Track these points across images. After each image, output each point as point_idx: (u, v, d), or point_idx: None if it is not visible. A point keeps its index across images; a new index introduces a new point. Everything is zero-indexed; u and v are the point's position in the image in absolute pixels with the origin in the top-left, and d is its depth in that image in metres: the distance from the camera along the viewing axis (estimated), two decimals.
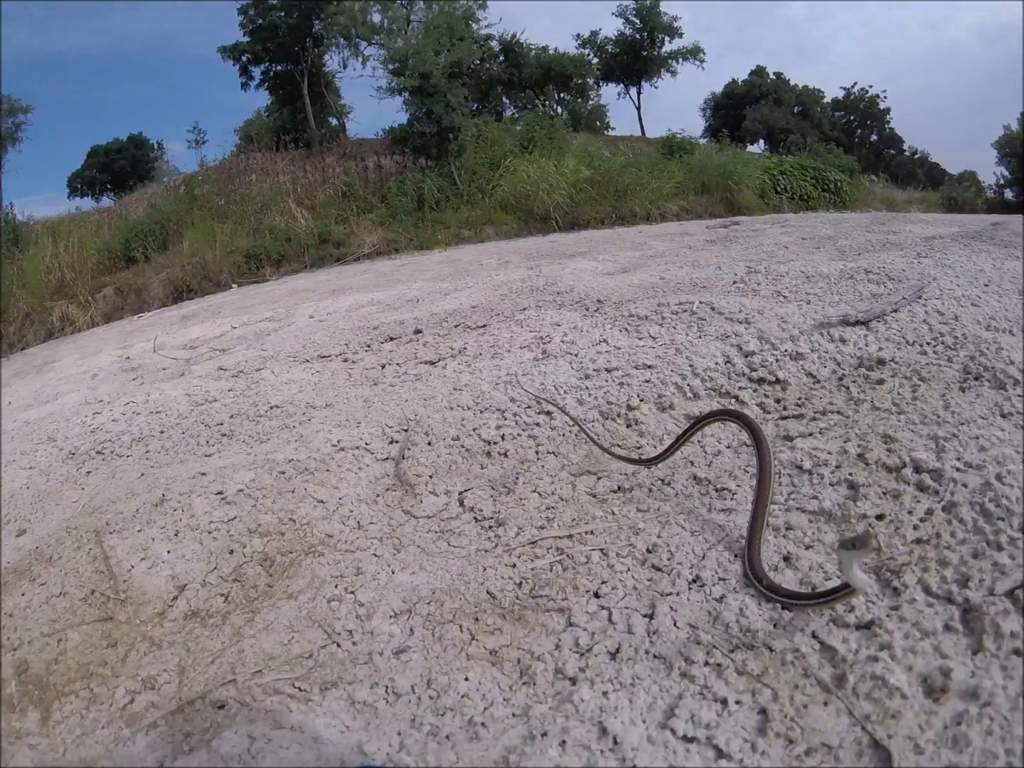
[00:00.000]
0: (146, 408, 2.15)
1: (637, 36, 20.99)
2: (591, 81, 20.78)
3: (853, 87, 26.27)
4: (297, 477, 1.49)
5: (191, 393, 2.24)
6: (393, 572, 1.13)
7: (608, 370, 1.79)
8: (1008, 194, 20.39)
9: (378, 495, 1.41)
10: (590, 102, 21.74)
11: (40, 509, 1.63)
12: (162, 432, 1.98)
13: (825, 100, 25.59)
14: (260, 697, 0.90)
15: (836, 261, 3.31)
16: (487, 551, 1.15)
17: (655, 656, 0.88)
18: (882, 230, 4.75)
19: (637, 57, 21.08)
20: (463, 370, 2.10)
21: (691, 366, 1.76)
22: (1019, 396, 1.48)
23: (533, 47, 18.26)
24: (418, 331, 3.17)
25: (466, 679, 0.89)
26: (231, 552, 1.24)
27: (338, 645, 0.99)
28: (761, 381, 1.70)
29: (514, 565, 1.10)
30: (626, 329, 2.08)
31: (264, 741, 0.83)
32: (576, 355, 1.95)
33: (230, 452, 1.73)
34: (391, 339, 3.10)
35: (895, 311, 2.41)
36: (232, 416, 1.99)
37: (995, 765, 0.70)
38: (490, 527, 1.22)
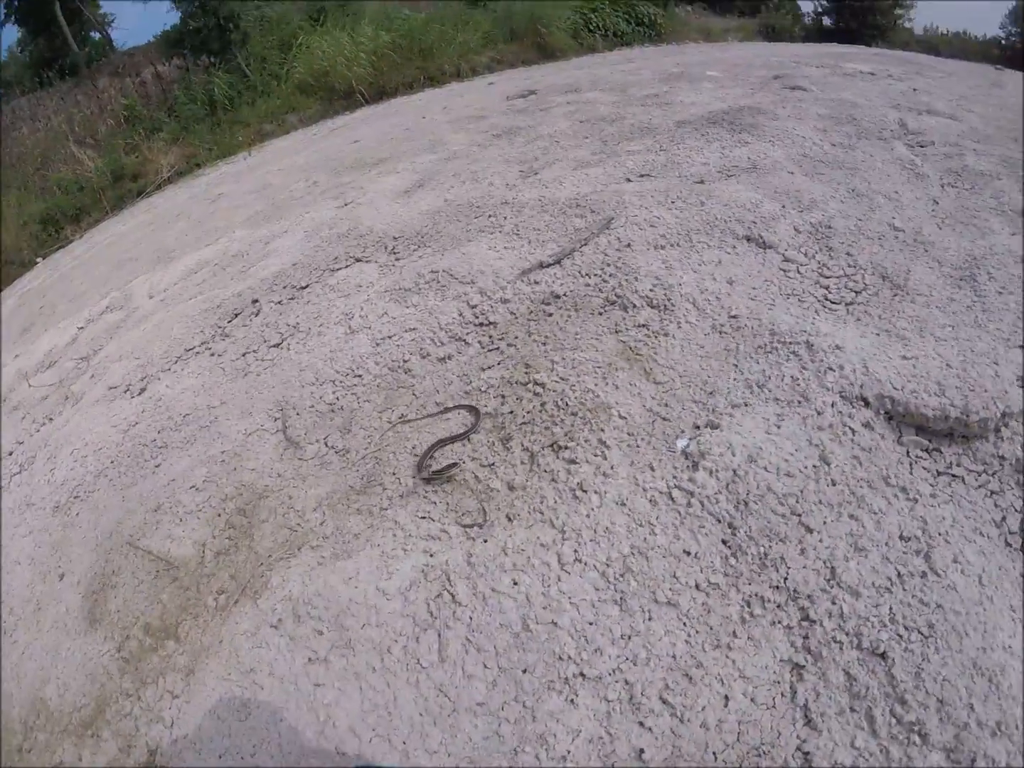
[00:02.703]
0: (89, 449, 3.02)
1: None
2: None
3: None
4: (232, 460, 2.61)
5: (115, 425, 3.10)
6: (306, 491, 2.39)
7: (389, 336, 2.94)
8: (826, 21, 21.18)
9: (282, 455, 2.59)
10: None
11: (64, 555, 2.63)
12: (112, 463, 2.92)
13: None
14: None
15: (592, 163, 4.21)
16: (343, 468, 2.42)
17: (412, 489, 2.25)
18: (656, 102, 5.52)
19: None
20: (301, 350, 3.14)
21: (438, 323, 2.94)
22: (640, 327, 2.59)
23: None
24: (255, 301, 3.99)
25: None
26: (219, 515, 2.41)
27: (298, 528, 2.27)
28: (481, 325, 2.88)
29: (358, 468, 2.39)
30: (398, 301, 3.17)
31: None
32: (370, 327, 3.05)
33: (175, 459, 2.77)
34: (236, 315, 3.91)
35: (584, 246, 3.11)
36: (159, 432, 2.95)
37: None
38: (341, 454, 2.48)
